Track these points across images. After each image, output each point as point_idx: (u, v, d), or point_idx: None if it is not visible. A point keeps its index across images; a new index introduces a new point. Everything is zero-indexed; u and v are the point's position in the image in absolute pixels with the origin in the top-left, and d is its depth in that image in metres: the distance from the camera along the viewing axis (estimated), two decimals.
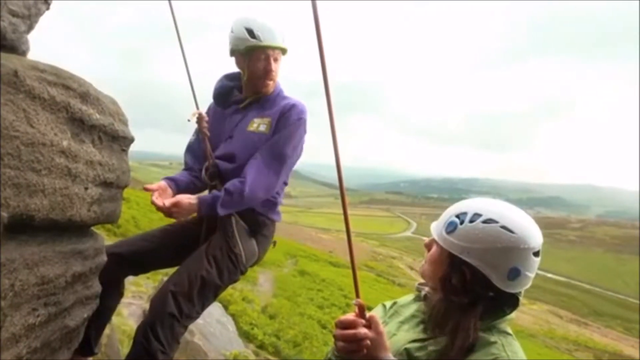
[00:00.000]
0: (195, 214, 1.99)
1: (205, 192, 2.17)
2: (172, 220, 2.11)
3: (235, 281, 2.11)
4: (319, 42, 1.08)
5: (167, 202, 1.88)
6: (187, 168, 2.30)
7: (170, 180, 2.12)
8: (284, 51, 2.18)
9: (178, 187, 2.11)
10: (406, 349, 1.18)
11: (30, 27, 1.53)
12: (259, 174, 2.03)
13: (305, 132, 2.18)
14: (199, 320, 5.44)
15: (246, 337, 7.27)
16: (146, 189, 1.97)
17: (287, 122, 2.12)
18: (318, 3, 1.08)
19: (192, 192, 2.08)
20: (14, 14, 1.41)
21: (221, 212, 1.96)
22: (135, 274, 2.20)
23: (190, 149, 2.35)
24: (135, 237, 2.20)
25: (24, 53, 1.50)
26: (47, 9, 1.62)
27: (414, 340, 1.20)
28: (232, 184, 2.00)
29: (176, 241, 2.11)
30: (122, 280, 2.09)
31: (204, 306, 1.95)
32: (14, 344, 1.23)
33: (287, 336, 8.26)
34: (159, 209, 1.88)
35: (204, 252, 1.98)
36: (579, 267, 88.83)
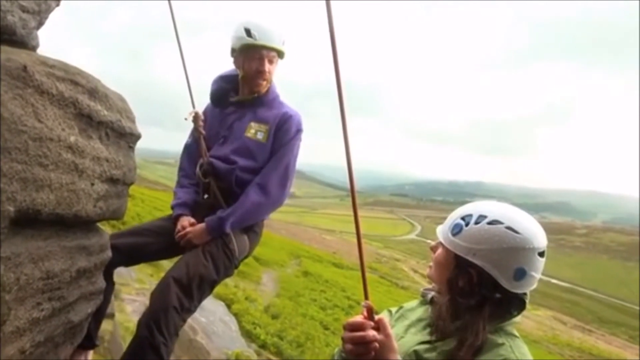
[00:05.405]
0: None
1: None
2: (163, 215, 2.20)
3: (229, 275, 2.20)
4: (332, 47, 1.08)
5: (188, 229, 2.10)
6: (185, 174, 2.39)
7: (186, 208, 2.24)
8: (280, 54, 2.23)
9: (192, 210, 2.24)
10: (415, 351, 1.19)
11: (40, 23, 1.53)
12: (269, 196, 2.16)
13: (301, 141, 2.30)
14: (202, 319, 5.45)
15: (248, 336, 7.28)
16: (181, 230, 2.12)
17: (288, 135, 2.23)
18: (329, 5, 1.07)
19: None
20: (24, 10, 1.42)
21: (229, 231, 2.11)
22: (127, 265, 2.28)
23: (186, 150, 2.43)
24: (129, 230, 2.25)
25: (33, 48, 1.51)
26: (57, 5, 1.62)
27: (422, 343, 1.21)
28: (240, 205, 2.13)
29: (169, 235, 2.15)
30: (113, 272, 2.12)
31: (201, 300, 2.01)
32: (18, 338, 1.24)
33: (290, 336, 8.26)
34: (180, 235, 2.10)
35: (200, 248, 2.05)
36: (584, 274, 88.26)
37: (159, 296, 1.84)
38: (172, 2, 2.19)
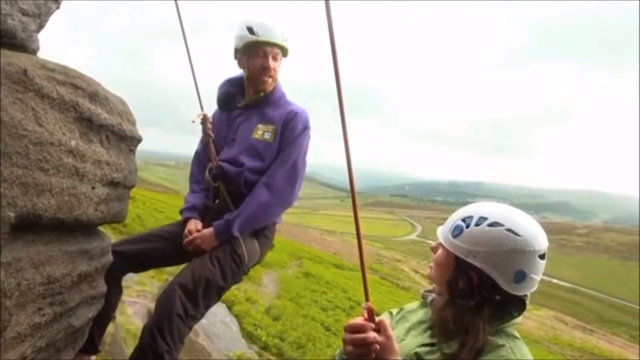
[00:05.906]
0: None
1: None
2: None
3: (238, 282, 2.14)
4: (332, 47, 1.08)
5: (196, 234, 2.04)
6: (195, 180, 2.36)
7: (195, 211, 2.20)
8: (283, 50, 2.21)
9: (202, 215, 2.21)
10: (416, 353, 1.19)
11: (40, 26, 1.53)
12: (276, 195, 2.11)
13: (309, 138, 2.25)
14: (203, 321, 5.42)
15: (250, 338, 7.26)
16: (188, 235, 2.08)
17: (294, 132, 2.18)
18: (329, 5, 1.07)
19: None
20: (24, 13, 1.41)
21: (237, 234, 2.05)
22: (136, 272, 2.25)
23: (196, 157, 2.40)
24: (137, 236, 2.23)
25: (34, 52, 1.50)
26: (58, 7, 1.62)
27: (423, 345, 1.21)
28: (247, 205, 2.08)
29: (177, 240, 2.12)
30: (122, 278, 2.11)
31: (207, 307, 1.98)
32: (19, 343, 1.23)
33: (291, 338, 8.24)
34: (188, 240, 2.05)
35: (207, 254, 2.01)
36: (584, 273, 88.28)
37: (163, 302, 1.81)
38: (176, 2, 2.16)
